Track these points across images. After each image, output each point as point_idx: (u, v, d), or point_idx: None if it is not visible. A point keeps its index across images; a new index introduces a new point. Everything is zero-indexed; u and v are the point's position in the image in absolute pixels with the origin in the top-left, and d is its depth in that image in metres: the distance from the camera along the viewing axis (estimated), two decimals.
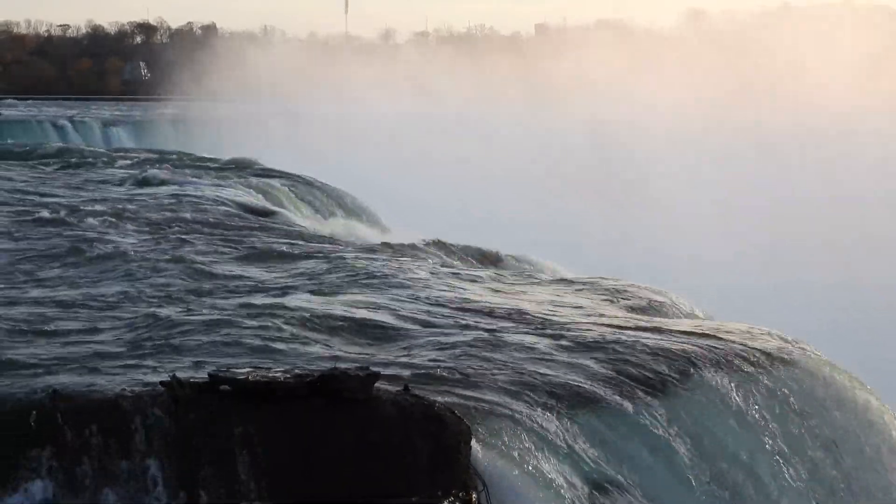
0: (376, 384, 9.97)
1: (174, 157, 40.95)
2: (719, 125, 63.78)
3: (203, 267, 17.37)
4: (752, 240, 45.48)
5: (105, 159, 38.70)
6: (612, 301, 16.63)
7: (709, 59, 73.12)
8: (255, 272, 17.20)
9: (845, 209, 50.15)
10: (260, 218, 25.16)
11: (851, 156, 57.20)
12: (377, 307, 14.78)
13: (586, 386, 11.86)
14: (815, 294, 38.84)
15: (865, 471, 12.99)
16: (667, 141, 61.26)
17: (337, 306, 14.52)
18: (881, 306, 37.10)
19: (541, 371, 12.09)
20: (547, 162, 58.92)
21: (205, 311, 14.01)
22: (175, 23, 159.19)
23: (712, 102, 66.18)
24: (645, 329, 14.18)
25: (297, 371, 10.28)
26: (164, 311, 13.78)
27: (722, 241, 44.66)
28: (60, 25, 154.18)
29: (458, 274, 18.17)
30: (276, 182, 33.58)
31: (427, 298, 15.66)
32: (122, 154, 41.29)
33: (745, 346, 13.74)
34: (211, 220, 23.64)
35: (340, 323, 13.77)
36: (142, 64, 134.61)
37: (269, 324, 13.48)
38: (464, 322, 14.28)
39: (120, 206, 24.55)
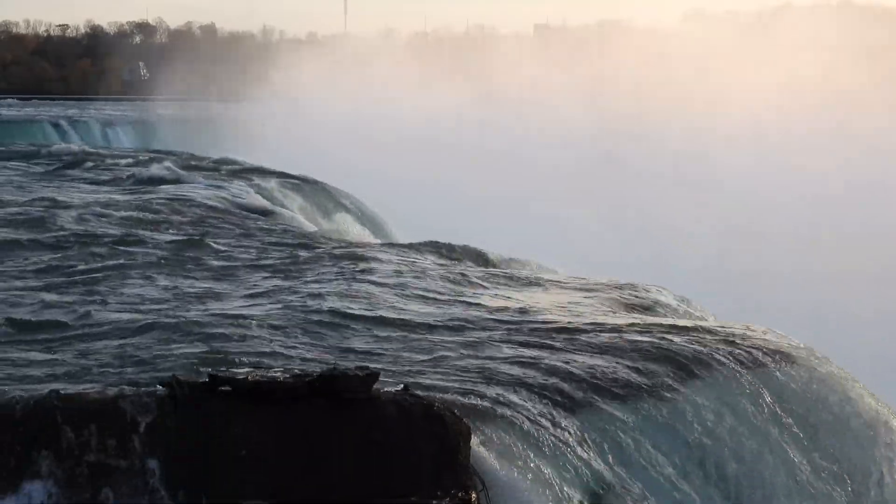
0: (376, 384, 9.97)
1: (173, 156, 40.97)
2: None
3: (202, 267, 17.38)
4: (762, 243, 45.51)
5: (104, 159, 38.69)
6: (612, 301, 16.63)
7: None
8: (253, 272, 17.20)
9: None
10: (259, 217, 25.18)
11: None
12: (376, 307, 14.79)
13: (586, 386, 11.86)
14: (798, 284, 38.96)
15: (866, 471, 12.99)
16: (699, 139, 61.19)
17: (336, 306, 14.52)
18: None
19: (540, 371, 12.09)
20: (551, 163, 58.90)
21: (204, 310, 14.01)
22: (174, 23, 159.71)
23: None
24: (645, 329, 14.17)
25: (296, 371, 10.28)
26: (164, 311, 13.78)
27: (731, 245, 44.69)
28: (59, 25, 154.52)
29: (456, 274, 18.16)
30: (275, 182, 33.63)
31: (425, 298, 15.67)
32: (121, 154, 41.30)
33: (745, 346, 13.75)
34: (210, 219, 23.64)
35: (339, 323, 13.78)
36: (141, 64, 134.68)
37: (269, 324, 13.49)
38: (462, 321, 14.29)
39: (119, 207, 24.55)
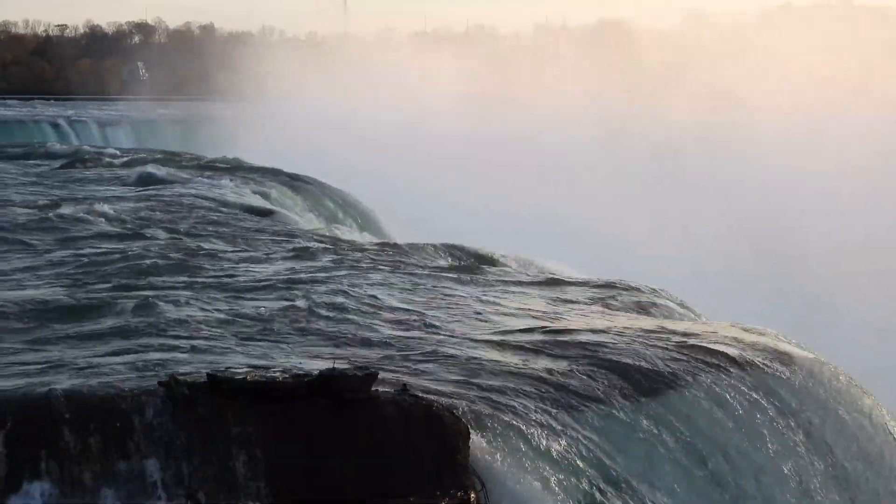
0: (374, 384, 9.98)
1: (172, 156, 40.98)
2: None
3: (202, 267, 17.38)
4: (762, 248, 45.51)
5: (103, 159, 38.68)
6: (610, 300, 16.64)
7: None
8: (253, 272, 17.20)
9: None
10: (259, 218, 25.17)
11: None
12: (376, 307, 14.79)
13: (584, 386, 11.87)
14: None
15: (862, 470, 13.01)
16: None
17: (335, 306, 14.53)
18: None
19: (538, 370, 12.10)
20: (552, 163, 58.91)
21: (204, 311, 14.02)
22: (173, 23, 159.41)
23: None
24: (644, 329, 14.19)
25: (295, 371, 10.29)
26: (163, 311, 13.79)
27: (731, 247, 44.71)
28: (59, 25, 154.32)
29: (454, 274, 18.18)
30: (274, 182, 33.62)
31: (424, 298, 15.69)
32: (119, 154, 41.25)
33: (741, 346, 13.76)
34: (209, 219, 23.65)
35: (339, 322, 13.79)
36: (140, 64, 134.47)
37: (268, 324, 13.50)
38: (461, 322, 14.30)
39: (117, 206, 24.55)
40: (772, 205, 51.72)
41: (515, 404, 11.13)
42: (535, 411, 11.09)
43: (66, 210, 22.97)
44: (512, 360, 12.46)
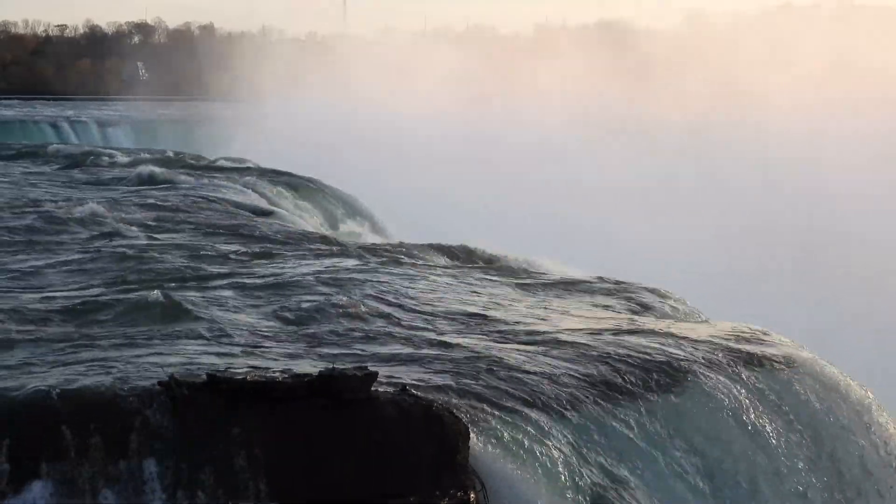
0: (374, 385, 9.98)
1: (172, 156, 40.97)
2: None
3: (202, 267, 17.36)
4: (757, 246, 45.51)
5: (102, 159, 38.65)
6: (611, 301, 16.63)
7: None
8: (253, 272, 17.19)
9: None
10: (258, 218, 25.16)
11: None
12: (375, 307, 14.78)
13: (585, 386, 11.87)
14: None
15: (862, 470, 13.00)
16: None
17: (334, 306, 14.52)
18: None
19: (539, 371, 12.09)
20: (552, 163, 58.94)
21: (204, 311, 14.01)
22: (173, 23, 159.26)
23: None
24: (644, 330, 14.18)
25: (295, 371, 10.29)
26: (163, 311, 13.78)
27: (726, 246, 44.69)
28: (58, 25, 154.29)
29: (456, 274, 18.18)
30: (274, 182, 33.62)
31: (424, 298, 15.67)
32: (119, 154, 41.21)
33: (742, 346, 13.75)
34: (209, 219, 23.64)
35: (339, 323, 13.77)
36: (140, 64, 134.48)
37: (268, 324, 13.49)
38: (460, 322, 14.29)
39: (117, 207, 24.54)
40: (772, 205, 51.76)
41: (515, 403, 11.12)
42: (536, 411, 11.09)
43: (63, 211, 22.92)
44: (512, 359, 12.45)
